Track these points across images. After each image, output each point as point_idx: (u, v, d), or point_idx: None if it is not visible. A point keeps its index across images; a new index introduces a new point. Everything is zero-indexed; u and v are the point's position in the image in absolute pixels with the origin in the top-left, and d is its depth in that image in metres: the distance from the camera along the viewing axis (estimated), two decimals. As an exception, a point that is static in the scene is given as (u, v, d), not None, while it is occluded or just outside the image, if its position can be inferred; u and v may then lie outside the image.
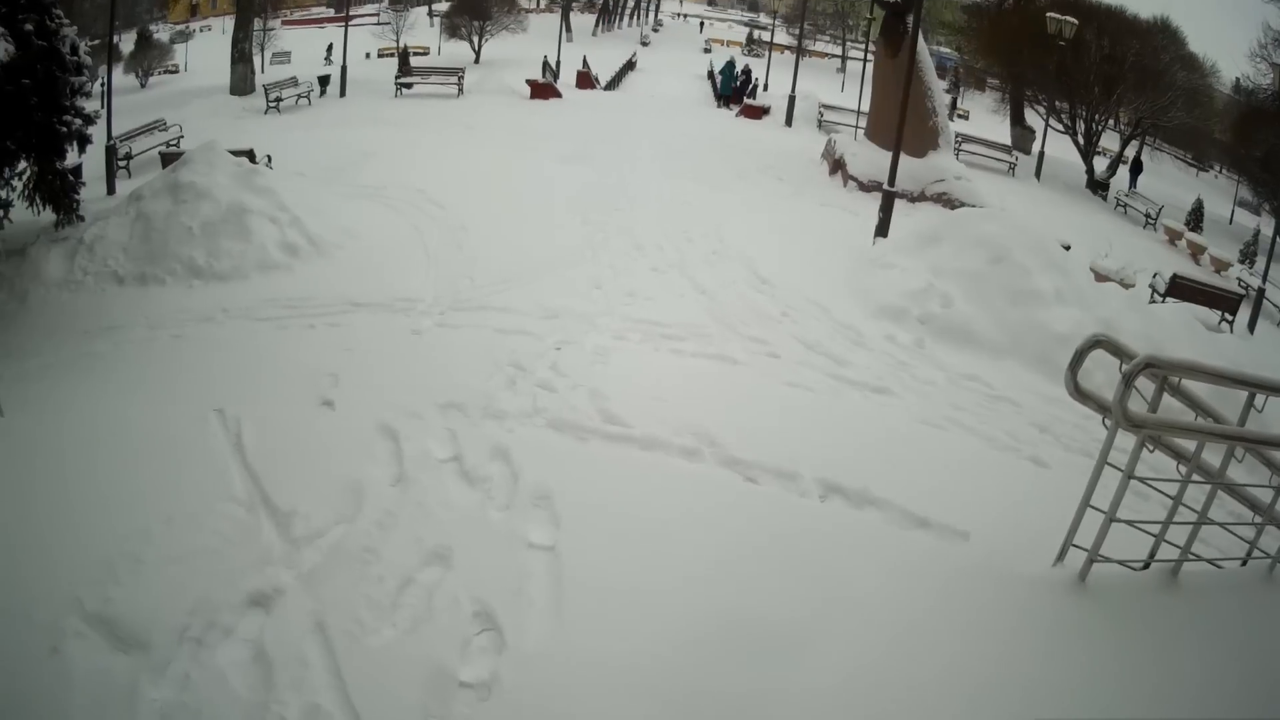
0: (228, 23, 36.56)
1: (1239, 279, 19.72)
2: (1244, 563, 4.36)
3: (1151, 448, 3.92)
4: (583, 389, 6.92)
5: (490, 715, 3.75)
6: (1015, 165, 25.80)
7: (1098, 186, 28.40)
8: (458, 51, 39.09)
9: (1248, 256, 24.72)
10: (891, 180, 13.82)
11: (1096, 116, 30.06)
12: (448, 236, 11.62)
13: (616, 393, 6.82)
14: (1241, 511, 4.62)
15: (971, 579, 4.24)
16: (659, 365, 7.81)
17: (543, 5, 57.68)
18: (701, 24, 65.93)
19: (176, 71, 39.76)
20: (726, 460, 5.87)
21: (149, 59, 38.26)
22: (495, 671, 3.92)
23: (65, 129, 11.80)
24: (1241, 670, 3.57)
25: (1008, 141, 29.15)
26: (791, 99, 27.54)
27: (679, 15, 69.34)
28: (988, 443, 6.98)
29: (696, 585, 4.40)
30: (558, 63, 32.68)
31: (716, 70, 34.49)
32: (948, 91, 35.43)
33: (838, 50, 53.53)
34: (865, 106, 23.59)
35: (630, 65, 40.19)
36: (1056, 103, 30.31)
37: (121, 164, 17.10)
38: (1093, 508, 3.92)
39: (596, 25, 56.19)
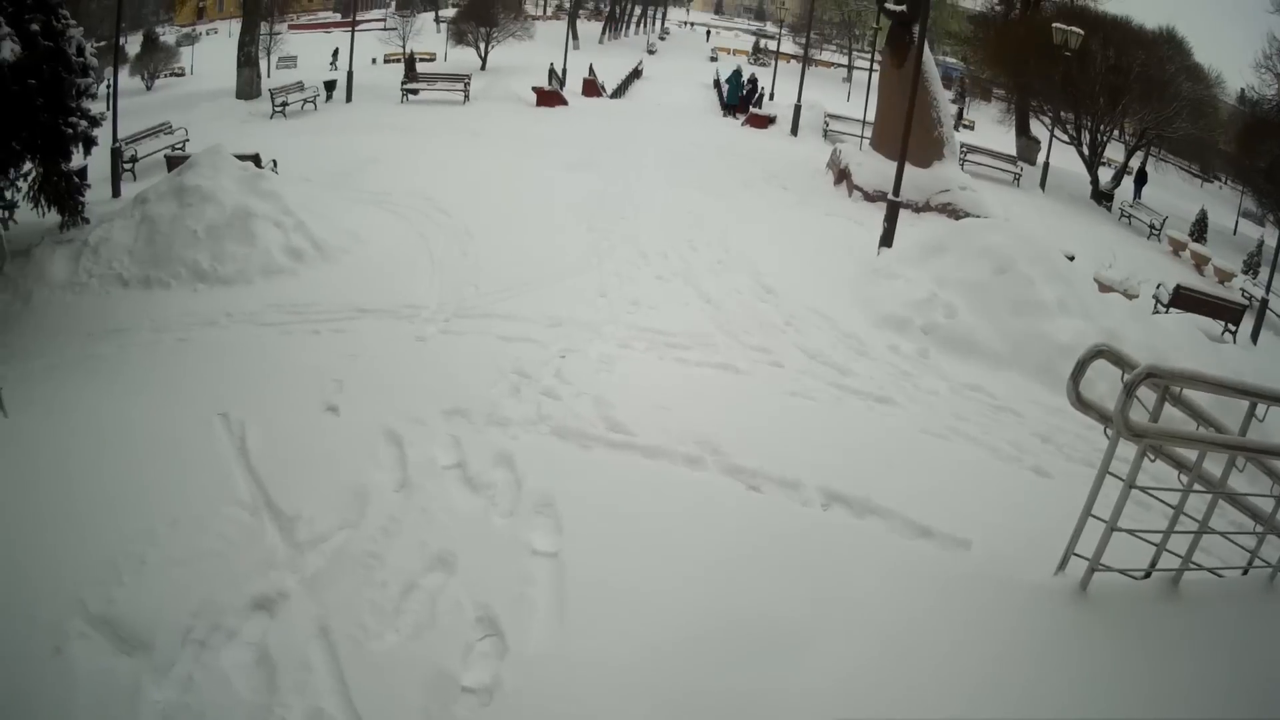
0: (234, 26, 36.75)
1: (1243, 290, 19.68)
2: (1245, 572, 4.37)
3: (1153, 457, 3.93)
4: (587, 397, 6.94)
5: (492, 719, 3.77)
6: (1020, 176, 25.77)
7: (1102, 197, 28.38)
8: (464, 58, 39.19)
9: (1251, 267, 24.66)
10: (896, 190, 13.81)
11: (1101, 127, 30.06)
12: (453, 243, 11.64)
13: (620, 400, 6.84)
14: (1243, 521, 4.62)
15: (971, 583, 4.26)
16: (663, 373, 7.84)
17: (549, 12, 57.95)
18: (708, 33, 66.03)
19: (182, 74, 39.99)
20: (729, 469, 5.89)
21: (155, 61, 38.49)
22: (497, 676, 3.94)
23: (71, 130, 11.82)
24: (1240, 678, 3.57)
25: (1013, 152, 29.12)
26: (797, 108, 27.56)
27: (685, 24, 69.50)
28: (990, 453, 7.00)
29: (697, 587, 4.42)
30: (564, 70, 32.77)
31: (723, 79, 34.52)
32: (953, 102, 35.42)
33: (844, 60, 53.65)
34: (871, 116, 23.58)
35: (636, 73, 40.30)
36: (1062, 113, 30.32)
37: (127, 166, 17.13)
38: (1094, 517, 3.93)
39: (603, 33, 56.38)
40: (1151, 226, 24.84)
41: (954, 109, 32.09)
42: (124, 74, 27.03)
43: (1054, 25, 25.26)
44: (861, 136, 24.59)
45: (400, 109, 26.52)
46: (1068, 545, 4.04)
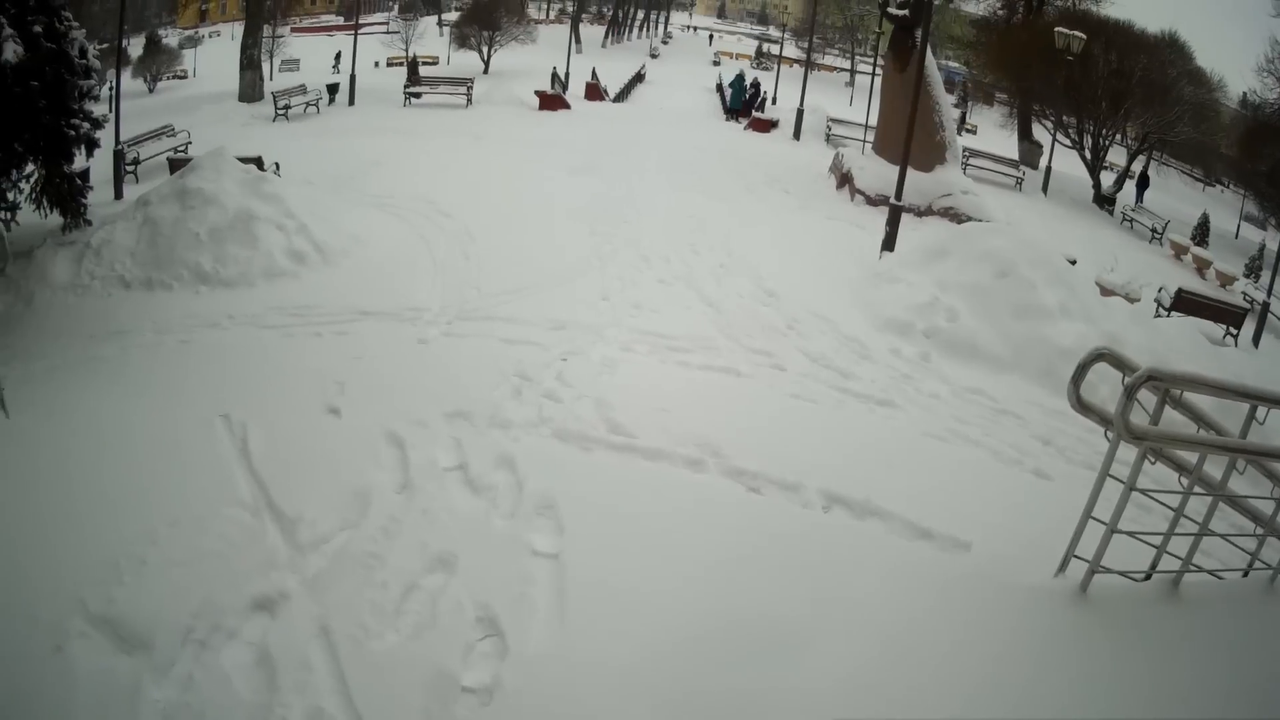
0: (237, 29, 36.79)
1: (1244, 293, 19.63)
2: (1245, 574, 4.36)
3: (1153, 460, 3.92)
4: (588, 399, 6.96)
5: (492, 719, 3.77)
6: (1022, 180, 25.77)
7: (1104, 201, 28.37)
8: (467, 61, 39.20)
9: (1253, 271, 24.61)
10: (898, 194, 13.79)
11: (1104, 131, 30.06)
12: (455, 246, 11.65)
13: (622, 403, 6.85)
14: (1243, 523, 4.61)
15: (971, 584, 4.26)
16: (665, 376, 7.84)
17: (552, 16, 57.97)
18: (711, 37, 66.13)
19: (185, 77, 40.01)
20: (730, 471, 5.90)
21: (158, 64, 38.54)
22: (497, 676, 3.95)
23: (73, 132, 11.83)
24: (1240, 680, 3.57)
25: (1015, 156, 29.11)
26: (800, 112, 27.56)
27: (688, 28, 69.59)
28: (991, 455, 7.01)
29: (697, 587, 4.43)
30: (567, 74, 32.76)
31: (725, 83, 34.52)
32: (956, 106, 35.41)
33: (847, 64, 53.64)
34: (873, 120, 23.59)
35: (639, 77, 40.25)
36: (1064, 117, 30.31)
37: (129, 169, 17.17)
38: (1094, 519, 3.92)
39: (606, 37, 56.41)
40: (1153, 230, 24.81)
41: (956, 113, 32.14)
42: (126, 76, 27.08)
43: (1056, 29, 25.20)
44: (864, 141, 24.58)
45: (403, 112, 26.55)
46: (1068, 547, 4.03)
